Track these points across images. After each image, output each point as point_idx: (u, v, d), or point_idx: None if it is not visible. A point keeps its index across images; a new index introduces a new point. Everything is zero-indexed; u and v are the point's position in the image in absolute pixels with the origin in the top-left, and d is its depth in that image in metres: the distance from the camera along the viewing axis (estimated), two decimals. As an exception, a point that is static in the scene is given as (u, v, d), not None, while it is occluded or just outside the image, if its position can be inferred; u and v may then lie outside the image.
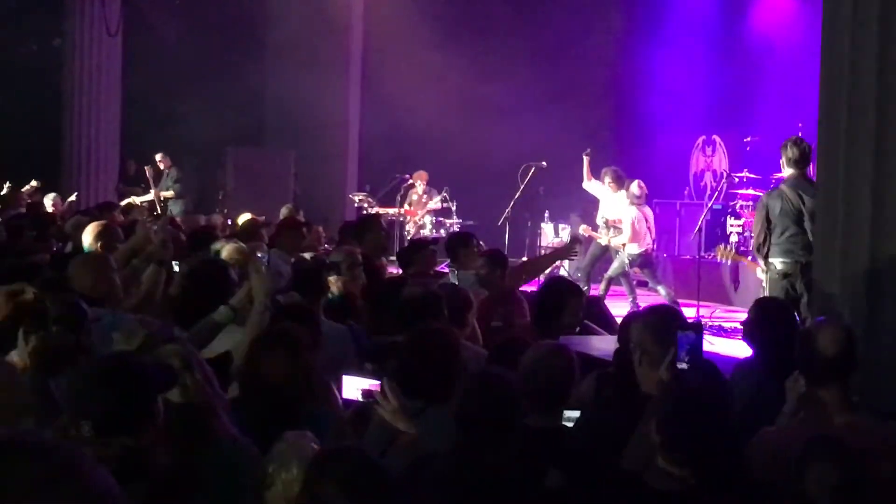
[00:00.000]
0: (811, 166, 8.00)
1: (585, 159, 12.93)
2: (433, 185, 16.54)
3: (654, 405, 3.51)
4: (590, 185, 12.97)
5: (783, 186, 8.00)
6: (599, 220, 12.68)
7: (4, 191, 15.58)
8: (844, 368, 3.96)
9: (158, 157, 17.37)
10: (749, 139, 15.01)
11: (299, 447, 3.39)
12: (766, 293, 7.89)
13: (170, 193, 16.86)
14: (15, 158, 16.83)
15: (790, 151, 7.95)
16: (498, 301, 6.93)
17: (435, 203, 16.27)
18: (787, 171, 8.01)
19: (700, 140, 16.47)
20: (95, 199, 16.01)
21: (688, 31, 15.74)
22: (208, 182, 19.00)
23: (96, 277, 5.70)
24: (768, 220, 7.88)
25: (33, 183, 15.97)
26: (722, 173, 15.60)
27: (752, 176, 14.32)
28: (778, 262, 7.88)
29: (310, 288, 6.00)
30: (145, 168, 17.16)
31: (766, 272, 8.05)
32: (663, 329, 4.05)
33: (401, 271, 8.12)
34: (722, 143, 16.38)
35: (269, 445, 3.64)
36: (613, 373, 4.72)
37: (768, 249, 7.96)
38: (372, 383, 4.36)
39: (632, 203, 12.34)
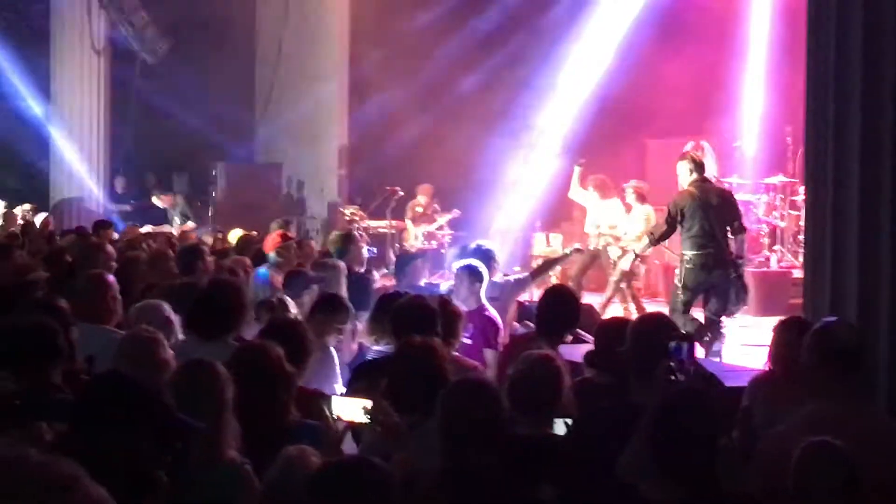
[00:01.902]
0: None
1: (577, 169, 12.77)
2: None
3: (648, 416, 3.49)
4: (577, 194, 12.84)
5: (690, 188, 9.40)
6: (589, 229, 12.55)
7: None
8: (861, 361, 4.06)
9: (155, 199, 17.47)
10: (738, 144, 15.01)
11: (303, 461, 3.39)
12: (681, 280, 9.34)
13: (190, 225, 16.73)
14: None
15: (696, 159, 9.68)
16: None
17: (444, 219, 16.09)
18: (691, 177, 9.41)
19: (689, 145, 16.44)
20: (87, 217, 15.92)
21: (679, 37, 15.67)
22: (198, 198, 18.92)
23: (93, 297, 5.82)
24: (677, 217, 9.30)
25: (26, 206, 16.01)
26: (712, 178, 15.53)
27: (742, 181, 14.31)
28: (692, 254, 9.27)
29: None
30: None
31: (677, 263, 9.71)
32: (654, 339, 4.05)
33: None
34: (711, 149, 16.35)
35: (262, 463, 3.64)
36: (604, 381, 4.71)
37: (663, 240, 9.76)
38: (363, 402, 4.35)
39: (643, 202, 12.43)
